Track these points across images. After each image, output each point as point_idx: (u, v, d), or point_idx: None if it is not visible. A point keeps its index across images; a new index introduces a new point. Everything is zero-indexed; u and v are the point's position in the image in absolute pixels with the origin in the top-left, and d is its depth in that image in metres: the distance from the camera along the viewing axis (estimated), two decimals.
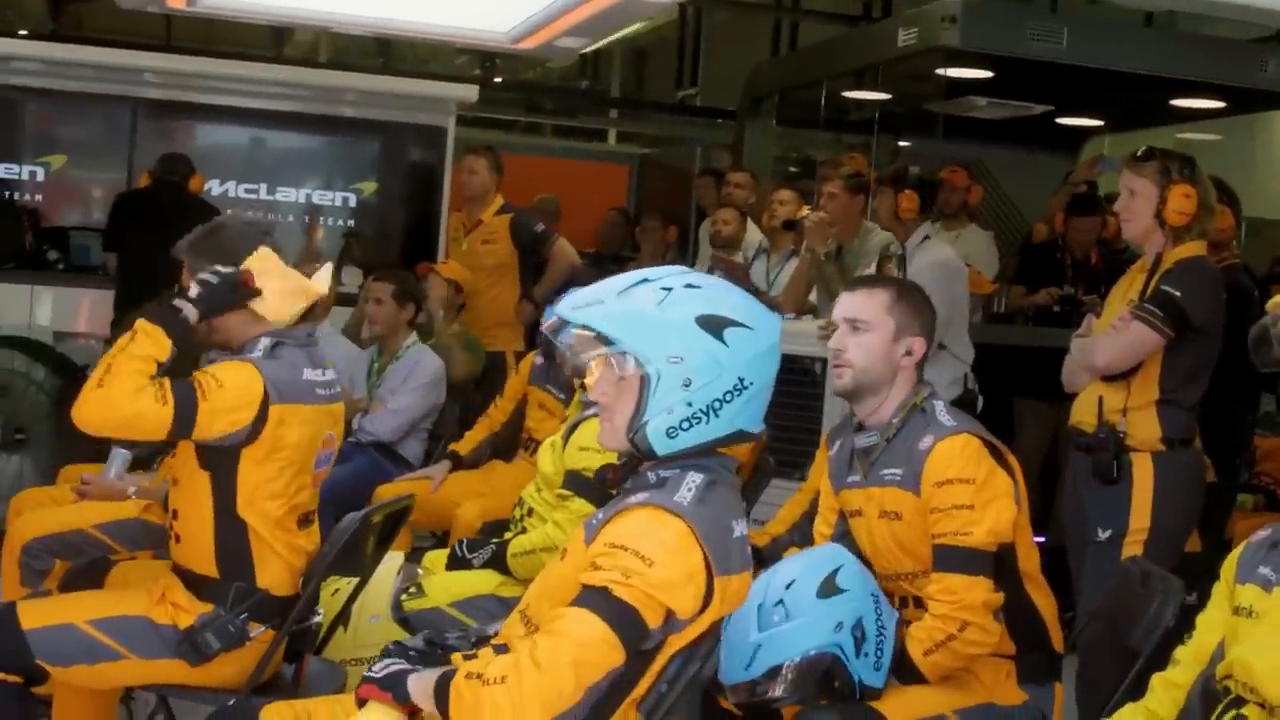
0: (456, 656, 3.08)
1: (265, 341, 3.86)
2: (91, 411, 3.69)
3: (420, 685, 2.80)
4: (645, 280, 2.90)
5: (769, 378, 2.90)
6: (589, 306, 2.88)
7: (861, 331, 3.79)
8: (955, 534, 3.61)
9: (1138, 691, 3.12)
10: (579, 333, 2.88)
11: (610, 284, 2.92)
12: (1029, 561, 3.76)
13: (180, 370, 3.77)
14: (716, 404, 2.84)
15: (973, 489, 3.62)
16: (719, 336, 2.84)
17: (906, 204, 6.64)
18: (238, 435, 3.75)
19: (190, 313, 3.75)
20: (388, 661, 2.89)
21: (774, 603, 3.50)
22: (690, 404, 2.84)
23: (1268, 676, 2.65)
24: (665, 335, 2.83)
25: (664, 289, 2.87)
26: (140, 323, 3.72)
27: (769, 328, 2.90)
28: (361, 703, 2.86)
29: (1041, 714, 3.74)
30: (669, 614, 2.76)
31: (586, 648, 2.68)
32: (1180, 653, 2.99)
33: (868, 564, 3.85)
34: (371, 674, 2.86)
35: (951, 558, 3.62)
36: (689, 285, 2.89)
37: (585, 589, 2.73)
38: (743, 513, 2.96)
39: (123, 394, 3.64)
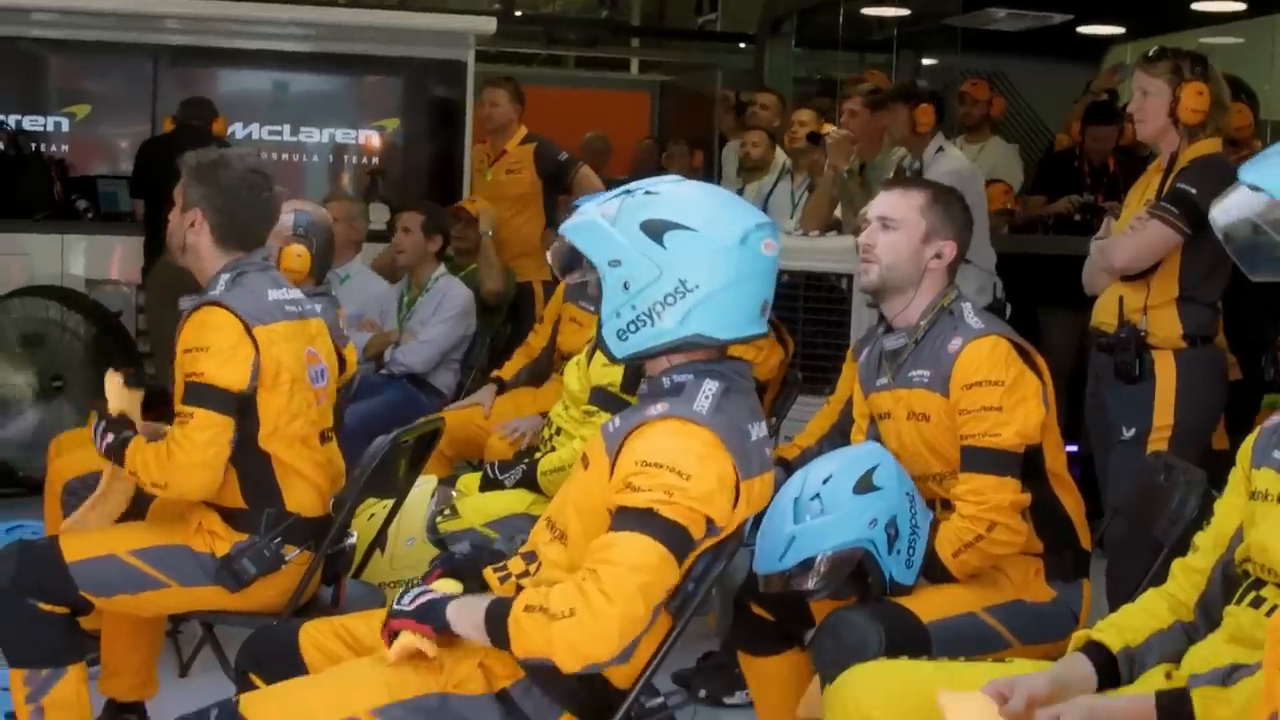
0: (488, 572, 3.14)
1: (225, 276, 3.96)
2: (190, 484, 3.84)
3: (465, 615, 2.85)
4: (625, 193, 2.95)
5: (724, 281, 2.88)
6: (572, 219, 2.97)
7: (892, 230, 3.80)
8: (984, 435, 3.64)
9: (1161, 581, 3.15)
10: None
11: (599, 196, 3.00)
12: (1056, 462, 3.79)
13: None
14: (659, 306, 2.88)
15: (1001, 391, 3.64)
16: (658, 240, 2.86)
17: (924, 117, 6.65)
18: (255, 370, 3.84)
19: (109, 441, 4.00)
20: (416, 592, 2.93)
21: (810, 496, 3.54)
22: (634, 306, 2.89)
23: None
24: (609, 241, 2.89)
25: (629, 196, 2.93)
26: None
27: (720, 231, 2.88)
28: (393, 636, 2.91)
29: (1070, 610, 3.77)
30: (709, 523, 2.82)
31: (649, 571, 2.74)
32: (1199, 538, 3.01)
33: None
34: (401, 606, 2.90)
35: (980, 459, 3.64)
36: (648, 192, 2.93)
37: (629, 511, 2.77)
38: (759, 415, 3.00)
39: (176, 455, 3.79)
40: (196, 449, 3.77)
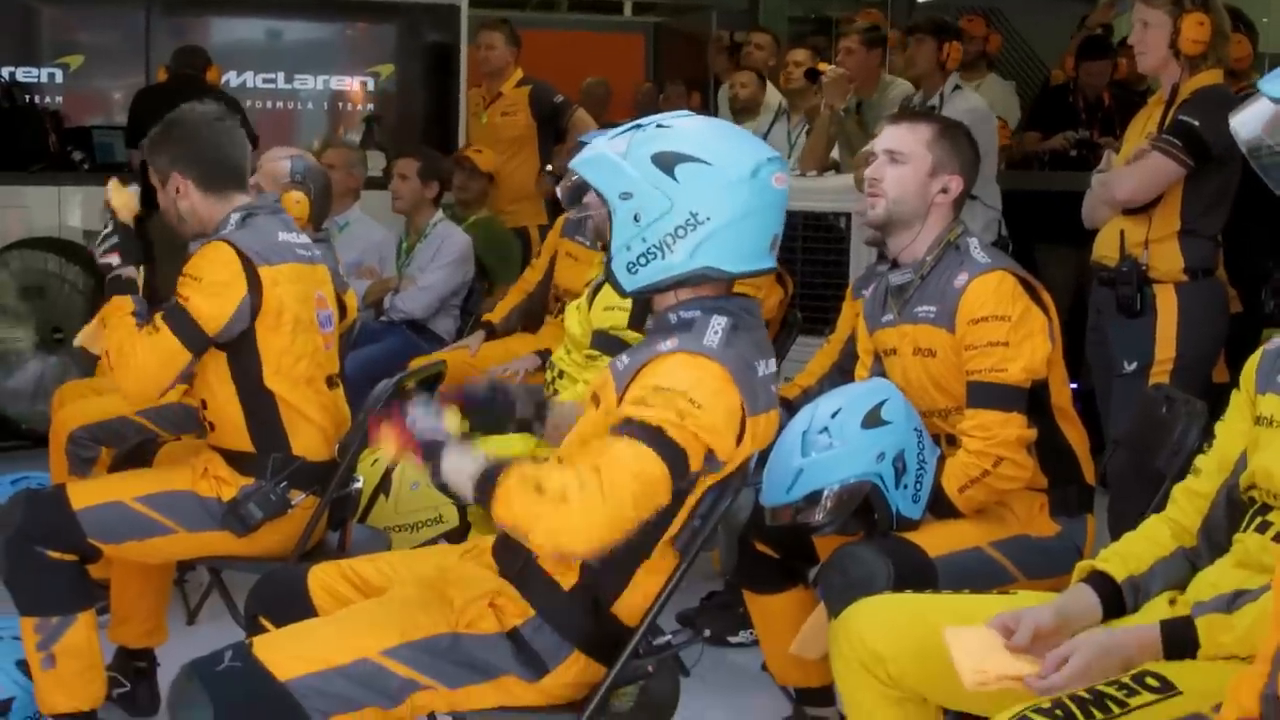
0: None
1: (235, 216, 3.99)
2: (128, 388, 3.90)
3: (458, 467, 2.79)
4: (635, 127, 2.95)
5: (736, 213, 2.87)
6: (582, 153, 2.97)
7: (899, 164, 3.79)
8: (990, 370, 3.63)
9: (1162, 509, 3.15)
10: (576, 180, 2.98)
11: (609, 132, 3.00)
12: (1061, 396, 3.78)
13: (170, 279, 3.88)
14: (669, 239, 2.87)
15: (1008, 326, 3.63)
16: (670, 172, 2.86)
17: (956, 54, 6.67)
18: (242, 310, 3.86)
19: (124, 270, 3.98)
20: (432, 426, 2.85)
21: (818, 430, 3.54)
22: (645, 239, 2.88)
23: None
24: (620, 173, 2.88)
25: (640, 130, 2.93)
26: (102, 312, 3.97)
27: (732, 163, 2.86)
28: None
29: (1074, 545, 3.77)
30: (709, 456, 2.82)
31: (646, 483, 2.72)
32: (1201, 461, 3.00)
33: None
34: (414, 425, 2.83)
35: (986, 394, 3.64)
36: (659, 125, 2.93)
37: (636, 423, 2.75)
38: (768, 352, 3.01)
39: (132, 359, 3.81)
40: (146, 362, 3.81)
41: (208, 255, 3.89)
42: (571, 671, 2.94)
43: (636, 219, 2.88)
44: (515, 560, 2.96)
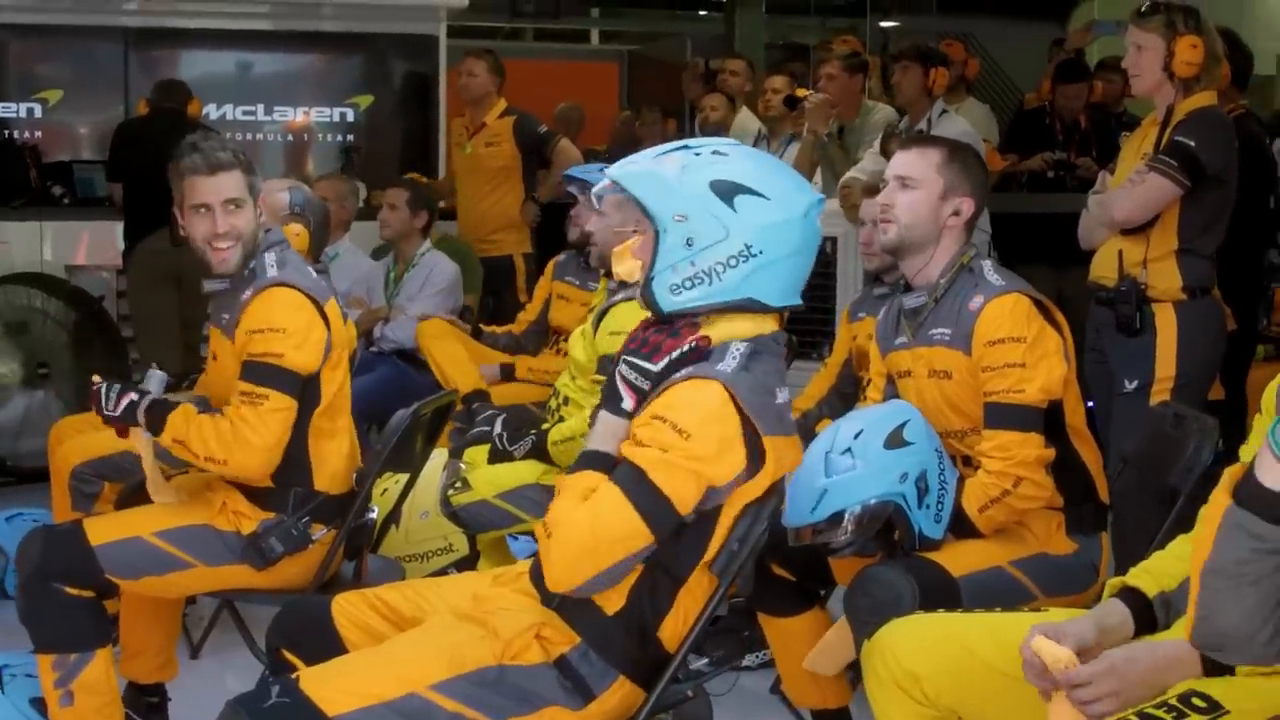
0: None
1: (270, 257, 3.96)
2: (255, 464, 3.85)
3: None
4: (684, 147, 2.98)
5: (787, 250, 2.92)
6: (625, 166, 2.99)
7: (910, 189, 3.83)
8: (1008, 391, 3.67)
9: (1181, 527, 3.18)
10: (613, 196, 3.03)
11: (653, 150, 3.02)
12: (1076, 416, 3.82)
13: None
14: (720, 267, 2.90)
15: (1024, 347, 3.67)
16: (729, 202, 2.88)
17: (942, 79, 6.73)
18: (327, 346, 3.89)
19: (148, 395, 3.98)
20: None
21: (841, 450, 3.56)
22: (694, 263, 2.90)
23: None
24: (676, 195, 2.90)
25: (694, 154, 2.95)
26: (165, 438, 3.92)
27: (789, 202, 2.92)
28: None
29: (1091, 562, 3.80)
30: (709, 487, 2.84)
31: (613, 534, 2.81)
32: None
33: None
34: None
35: (1005, 415, 3.68)
36: (716, 152, 2.95)
37: (626, 465, 2.83)
38: (783, 379, 3.03)
39: (249, 437, 3.79)
40: (271, 432, 3.80)
41: (280, 303, 3.87)
42: (615, 698, 2.95)
43: (689, 243, 2.90)
44: None
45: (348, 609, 3.19)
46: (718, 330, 2.95)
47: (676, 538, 2.89)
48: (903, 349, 3.93)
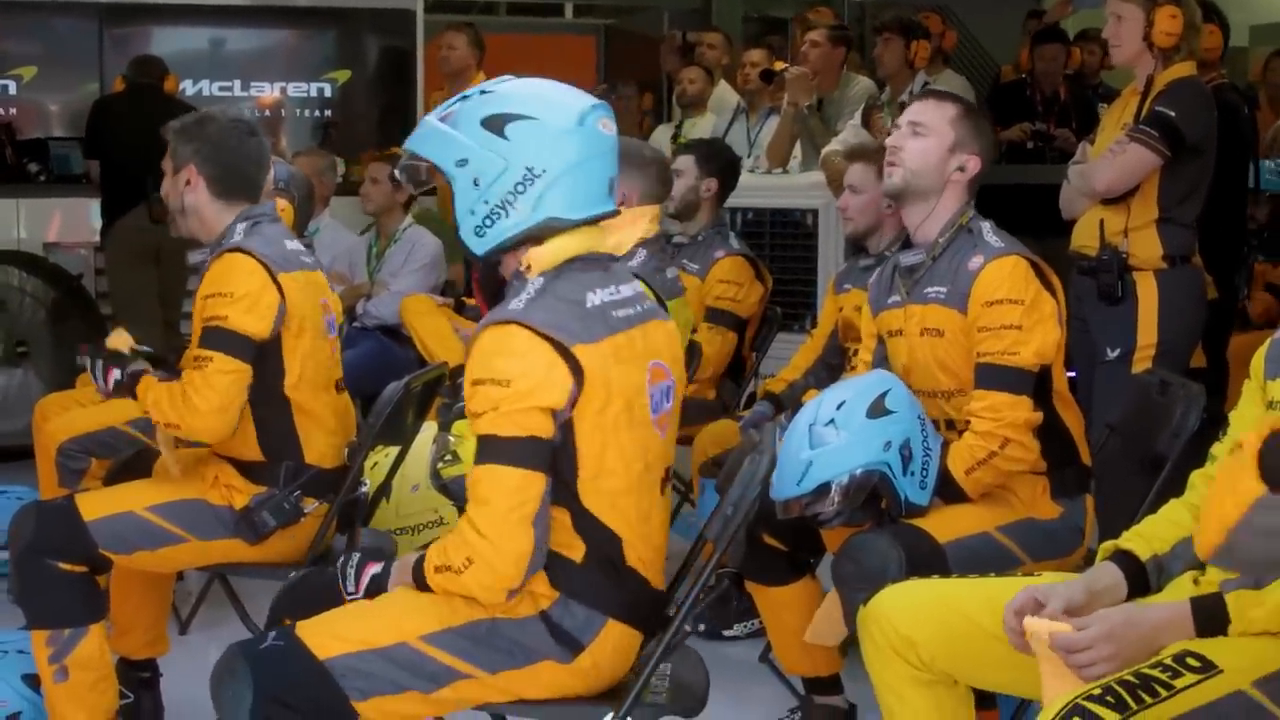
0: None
1: (241, 225, 3.98)
2: (203, 426, 3.85)
3: (399, 580, 3.06)
4: (462, 98, 3.01)
5: (570, 162, 2.93)
6: (413, 133, 3.04)
7: (920, 136, 3.85)
8: (1003, 354, 3.69)
9: (1168, 492, 3.22)
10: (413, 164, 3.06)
11: (437, 109, 3.04)
12: (1060, 381, 3.85)
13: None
14: (510, 197, 2.92)
15: (1021, 310, 3.69)
16: (500, 133, 2.91)
17: (924, 52, 6.76)
18: (279, 316, 3.87)
19: (129, 370, 4.04)
20: (358, 575, 3.12)
21: (824, 422, 3.59)
22: (487, 202, 2.93)
23: None
24: (451, 143, 2.94)
25: (463, 100, 2.99)
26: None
27: (558, 115, 2.94)
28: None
29: (1076, 526, 3.83)
30: (552, 411, 2.87)
31: (513, 496, 2.84)
32: (1217, 449, 3.06)
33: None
34: (350, 591, 3.09)
35: (997, 376, 3.70)
36: (483, 92, 2.99)
37: (479, 441, 2.87)
38: (617, 278, 3.04)
39: (194, 399, 3.81)
40: (215, 393, 3.79)
41: (232, 268, 3.87)
42: (607, 645, 2.97)
43: (476, 184, 2.93)
44: None
45: None
46: (539, 259, 2.96)
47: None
48: (895, 307, 3.94)
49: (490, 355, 2.87)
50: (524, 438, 2.84)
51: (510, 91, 2.98)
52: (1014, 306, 3.70)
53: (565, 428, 2.89)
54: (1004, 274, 3.73)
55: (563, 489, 2.92)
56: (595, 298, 2.96)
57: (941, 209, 3.86)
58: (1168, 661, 2.59)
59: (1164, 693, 2.52)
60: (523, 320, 2.87)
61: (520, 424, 2.83)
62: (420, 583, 2.96)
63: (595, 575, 2.97)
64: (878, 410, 3.62)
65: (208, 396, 3.78)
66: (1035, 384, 3.74)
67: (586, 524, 2.95)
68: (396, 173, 3.18)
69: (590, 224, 3.00)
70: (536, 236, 2.95)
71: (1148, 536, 2.99)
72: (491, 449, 2.85)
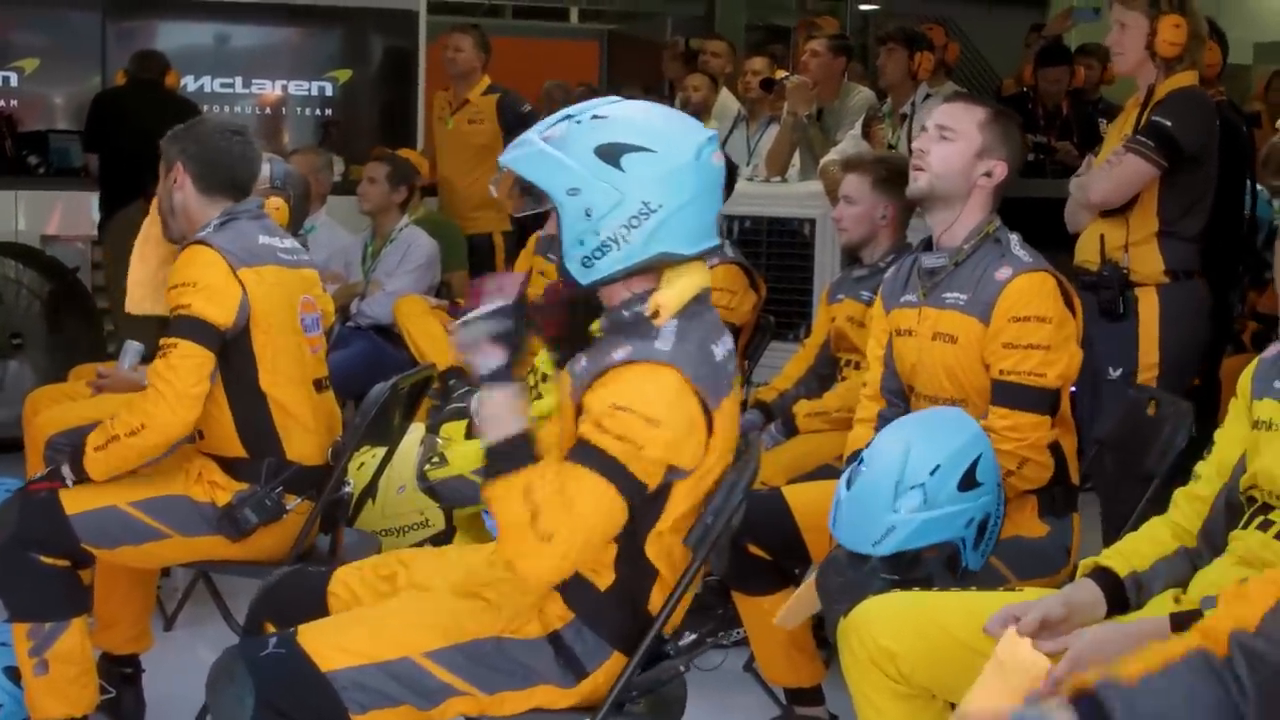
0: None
1: (214, 221, 4.00)
2: (170, 418, 3.80)
3: (499, 414, 2.80)
4: (566, 117, 2.90)
5: (685, 198, 2.86)
6: (513, 150, 2.91)
7: (948, 140, 3.80)
8: (1030, 373, 3.65)
9: (1154, 510, 3.21)
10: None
11: (540, 125, 2.94)
12: (1065, 402, 3.80)
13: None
14: (624, 231, 2.83)
15: (1050, 329, 3.65)
16: (615, 164, 2.82)
17: (927, 64, 6.74)
18: (243, 308, 3.87)
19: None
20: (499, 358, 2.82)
21: (912, 484, 3.42)
22: (598, 234, 2.84)
23: None
24: (564, 169, 2.83)
25: (575, 123, 2.87)
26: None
27: (676, 149, 2.85)
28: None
29: (1063, 545, 3.80)
30: (671, 469, 2.85)
31: (609, 520, 2.79)
32: (1201, 468, 3.06)
33: (905, 385, 3.93)
34: (492, 333, 2.82)
35: (1022, 396, 3.66)
36: (595, 116, 2.87)
37: (594, 450, 2.77)
38: (721, 329, 2.99)
39: (158, 386, 3.79)
40: (179, 378, 3.78)
41: (194, 260, 3.90)
42: (608, 674, 2.96)
43: (588, 214, 2.83)
44: None
45: (348, 583, 3.19)
46: (667, 305, 2.89)
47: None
48: (909, 307, 3.90)
49: (640, 393, 2.80)
50: (642, 483, 2.80)
51: (624, 118, 2.86)
52: (1043, 325, 3.66)
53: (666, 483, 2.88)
54: (1034, 290, 3.68)
55: (630, 533, 2.88)
56: (719, 351, 2.93)
57: (967, 214, 3.82)
58: None
59: None
60: (674, 364, 2.83)
61: (647, 471, 2.80)
62: (499, 458, 2.76)
63: (614, 608, 2.95)
64: (968, 483, 3.46)
65: (171, 380, 3.78)
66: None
67: (633, 562, 2.93)
68: (492, 189, 3.11)
69: (700, 259, 2.95)
70: (645, 269, 2.89)
71: (1127, 554, 2.99)
72: (611, 469, 2.77)
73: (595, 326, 2.95)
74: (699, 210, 2.90)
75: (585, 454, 2.78)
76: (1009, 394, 3.68)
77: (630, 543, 2.91)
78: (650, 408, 2.79)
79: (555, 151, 2.84)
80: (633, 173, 2.82)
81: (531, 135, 2.90)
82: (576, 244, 2.87)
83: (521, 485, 2.74)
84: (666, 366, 2.82)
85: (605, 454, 2.77)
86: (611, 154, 2.82)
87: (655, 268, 2.90)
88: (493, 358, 2.82)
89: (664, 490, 2.89)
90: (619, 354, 2.85)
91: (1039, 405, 3.67)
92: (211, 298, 3.83)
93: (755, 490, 3.29)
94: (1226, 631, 2.18)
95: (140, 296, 4.31)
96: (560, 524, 2.73)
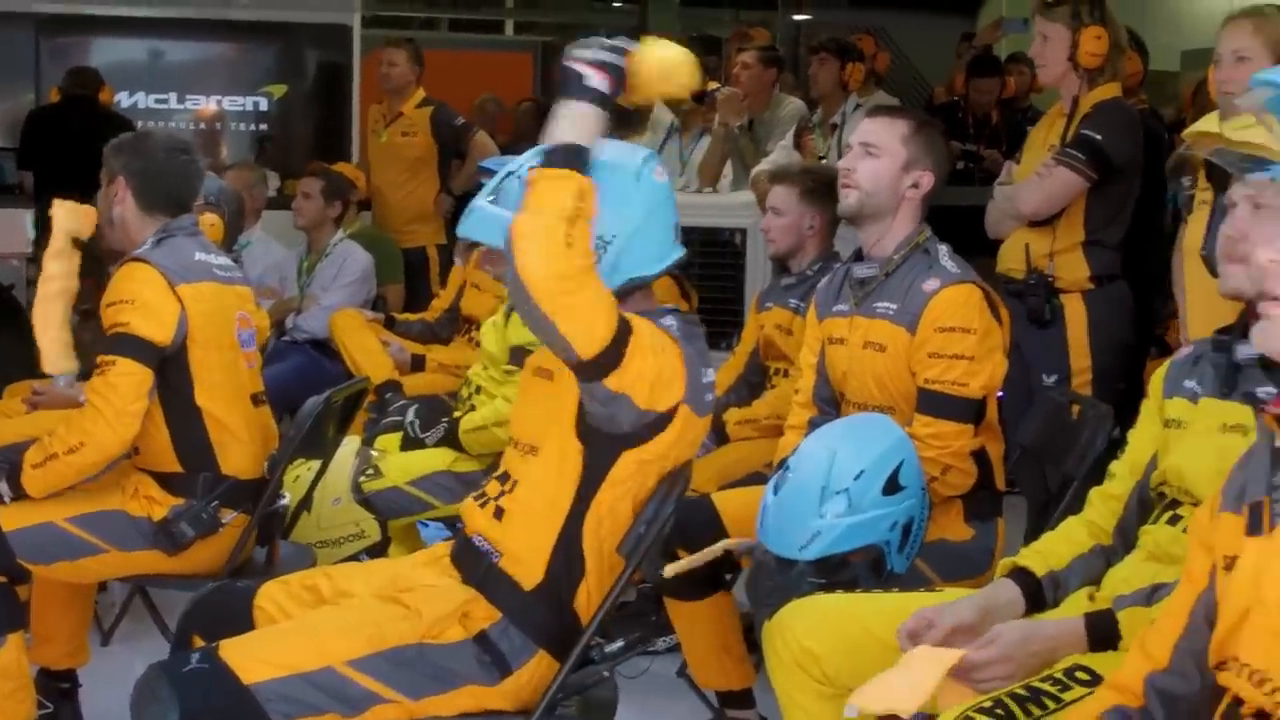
0: (469, 502, 3.19)
1: (151, 238, 4.04)
2: (110, 436, 3.83)
3: (574, 125, 2.79)
4: (508, 174, 2.97)
5: (636, 223, 2.93)
6: (465, 219, 2.97)
7: (873, 156, 3.85)
8: (954, 383, 3.72)
9: (1072, 511, 3.28)
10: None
11: (484, 190, 2.98)
12: (992, 410, 3.87)
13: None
14: None
15: (975, 340, 3.72)
16: None
17: (858, 74, 6.80)
18: (181, 325, 3.90)
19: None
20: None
21: (837, 489, 3.49)
22: None
23: (1200, 479, 2.81)
24: (506, 225, 2.80)
25: (516, 179, 2.90)
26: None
27: (614, 178, 2.89)
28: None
29: (987, 548, 3.85)
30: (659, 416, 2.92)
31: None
32: (1115, 467, 3.13)
33: (836, 392, 3.99)
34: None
35: (945, 405, 3.72)
36: (533, 168, 2.86)
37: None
38: (708, 361, 3.08)
39: (97, 405, 3.82)
40: (118, 395, 3.80)
41: (132, 277, 3.92)
42: (532, 674, 3.00)
43: None
44: (477, 566, 3.05)
45: (274, 597, 3.20)
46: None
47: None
48: (840, 316, 3.97)
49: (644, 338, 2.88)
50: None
51: None
52: (967, 336, 3.72)
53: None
54: (960, 301, 3.75)
55: (581, 496, 2.98)
56: (707, 376, 3.02)
57: (897, 226, 3.88)
58: (1058, 675, 2.65)
59: (1052, 705, 2.58)
60: (679, 342, 2.94)
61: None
62: (558, 157, 2.75)
63: (541, 607, 3.00)
64: (892, 488, 3.54)
65: (109, 397, 3.80)
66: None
67: (567, 550, 3.00)
68: (456, 256, 3.11)
69: (667, 274, 3.02)
70: (621, 296, 2.93)
71: (1045, 553, 3.05)
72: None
73: None
74: (654, 229, 2.99)
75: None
76: (933, 403, 3.75)
77: (573, 525, 2.98)
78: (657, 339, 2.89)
79: (503, 212, 2.87)
80: None
81: (480, 201, 2.96)
82: None
83: (575, 187, 2.72)
84: (673, 339, 2.94)
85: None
86: None
87: (630, 293, 2.98)
88: (595, 79, 2.80)
89: (660, 423, 2.93)
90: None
91: (962, 414, 3.73)
92: (150, 315, 3.86)
93: (685, 497, 3.31)
94: (1140, 678, 2.28)
95: (55, 355, 4.28)
96: (584, 240, 2.72)
